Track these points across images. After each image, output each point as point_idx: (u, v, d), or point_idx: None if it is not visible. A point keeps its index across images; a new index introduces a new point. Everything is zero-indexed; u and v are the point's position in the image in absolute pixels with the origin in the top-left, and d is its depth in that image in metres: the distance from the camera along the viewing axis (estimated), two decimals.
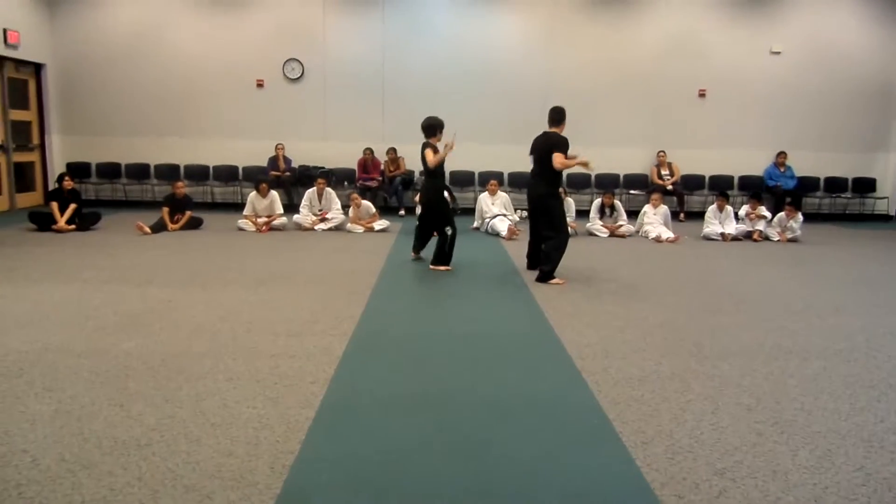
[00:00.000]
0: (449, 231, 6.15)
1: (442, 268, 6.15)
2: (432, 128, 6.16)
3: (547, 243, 5.78)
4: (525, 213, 7.85)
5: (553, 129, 5.79)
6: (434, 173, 6.14)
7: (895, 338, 4.25)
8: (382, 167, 10.68)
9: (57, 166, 10.73)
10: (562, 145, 5.62)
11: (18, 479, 2.30)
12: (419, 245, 6.63)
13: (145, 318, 4.34)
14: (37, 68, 10.59)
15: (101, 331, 4.03)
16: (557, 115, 5.81)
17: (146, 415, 2.83)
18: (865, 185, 11.40)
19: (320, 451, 2.56)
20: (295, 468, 2.41)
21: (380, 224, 8.76)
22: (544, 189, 5.77)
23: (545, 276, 5.68)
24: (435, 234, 6.41)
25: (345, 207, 8.95)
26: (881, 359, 3.81)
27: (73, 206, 8.15)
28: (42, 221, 8.07)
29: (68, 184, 8.27)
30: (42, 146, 10.78)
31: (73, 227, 8.06)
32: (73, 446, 2.54)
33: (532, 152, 5.94)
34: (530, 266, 6.19)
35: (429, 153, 6.05)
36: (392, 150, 10.51)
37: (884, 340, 4.18)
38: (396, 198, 10.50)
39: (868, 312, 4.90)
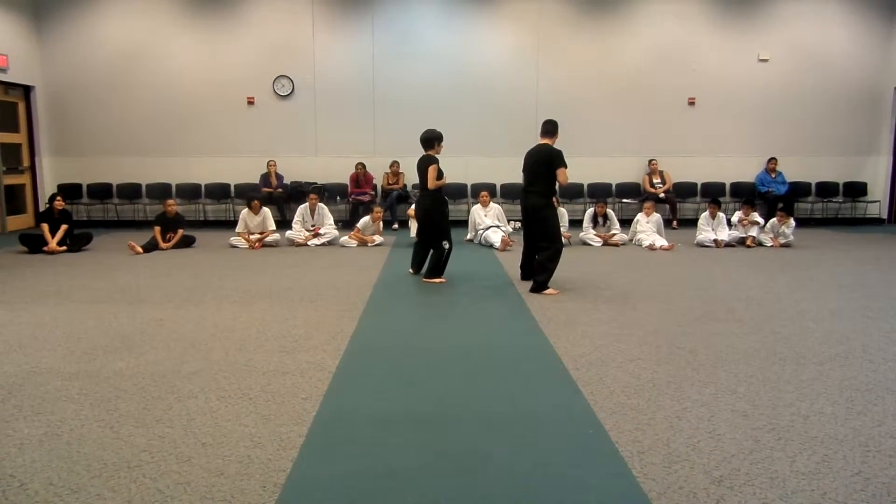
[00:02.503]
0: (446, 245, 6.14)
1: (436, 280, 6.13)
2: (431, 140, 6.16)
3: (541, 254, 5.77)
4: (518, 224, 7.85)
5: (545, 141, 5.80)
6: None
7: (891, 341, 4.24)
8: (376, 181, 10.71)
9: (48, 188, 10.71)
10: (562, 160, 5.64)
11: None
12: (417, 264, 6.57)
13: (137, 338, 4.30)
14: (26, 90, 10.59)
15: (91, 352, 3.99)
16: (551, 127, 5.84)
17: (136, 436, 2.79)
18: (857, 189, 11.47)
19: (312, 468, 2.53)
20: (287, 487, 2.37)
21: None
22: (538, 200, 5.77)
23: (539, 287, 5.67)
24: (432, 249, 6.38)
25: (336, 221, 8.91)
26: (877, 362, 3.80)
27: (64, 228, 8.12)
28: (33, 243, 8.03)
29: (59, 205, 8.24)
30: (32, 168, 10.76)
31: (64, 248, 8.03)
32: (61, 470, 2.50)
33: (525, 166, 5.94)
34: (524, 277, 6.17)
35: (431, 174, 6.03)
36: (395, 164, 10.54)
37: (879, 344, 4.17)
38: (391, 212, 10.50)
39: (863, 316, 4.89)
